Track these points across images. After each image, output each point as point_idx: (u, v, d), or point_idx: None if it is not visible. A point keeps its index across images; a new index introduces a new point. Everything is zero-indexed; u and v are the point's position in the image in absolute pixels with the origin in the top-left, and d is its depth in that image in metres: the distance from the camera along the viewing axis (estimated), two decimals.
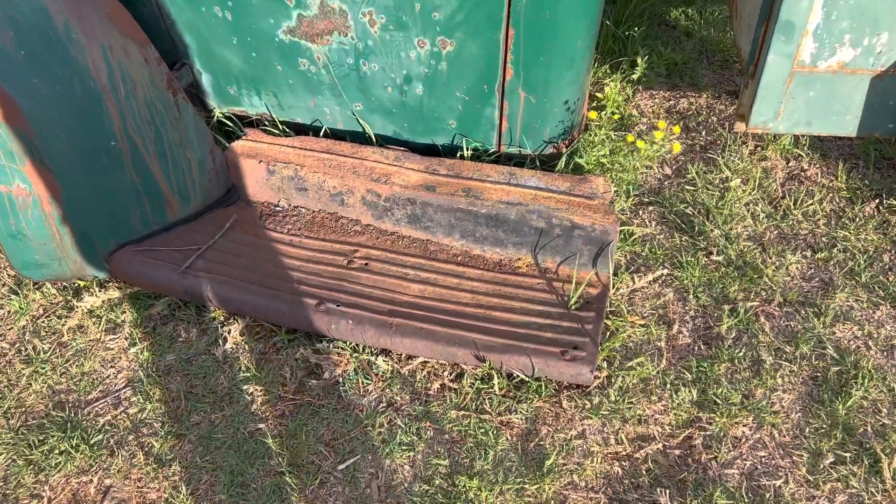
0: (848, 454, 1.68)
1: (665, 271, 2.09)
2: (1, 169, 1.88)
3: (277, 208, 2.30)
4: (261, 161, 2.28)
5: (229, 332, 2.02)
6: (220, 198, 2.29)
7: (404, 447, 1.78)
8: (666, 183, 2.34)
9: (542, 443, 1.76)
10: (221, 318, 2.06)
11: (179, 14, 2.14)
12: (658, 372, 1.87)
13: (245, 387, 1.93)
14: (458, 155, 2.32)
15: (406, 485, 1.72)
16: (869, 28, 1.94)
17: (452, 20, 1.93)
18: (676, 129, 2.20)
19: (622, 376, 1.85)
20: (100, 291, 2.11)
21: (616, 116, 2.41)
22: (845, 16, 1.92)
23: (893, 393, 1.78)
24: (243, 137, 2.35)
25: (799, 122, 2.18)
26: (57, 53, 1.86)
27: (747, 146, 2.39)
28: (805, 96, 2.11)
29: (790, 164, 2.36)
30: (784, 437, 1.73)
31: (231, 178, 2.31)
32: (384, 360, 1.93)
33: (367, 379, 1.91)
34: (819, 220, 2.19)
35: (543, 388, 1.84)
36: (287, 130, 2.44)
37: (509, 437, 1.78)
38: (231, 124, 2.46)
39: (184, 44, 2.24)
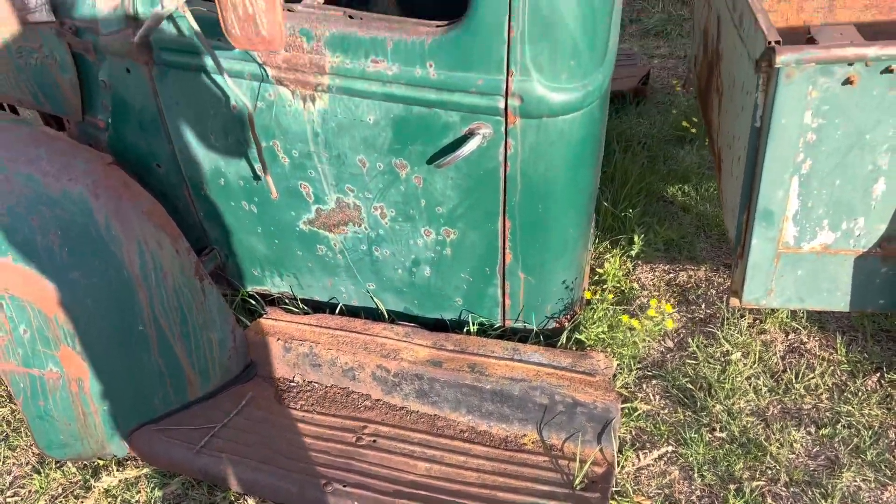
0: None
1: (670, 448, 2.11)
2: (36, 354, 2.02)
3: (292, 384, 2.40)
4: (278, 339, 2.41)
5: None
6: (239, 374, 2.40)
7: None
8: (668, 356, 2.40)
9: None
10: (232, 497, 2.10)
11: (211, 207, 2.37)
12: None
13: None
14: (465, 330, 2.43)
15: None
16: (845, 214, 2.07)
17: (454, 213, 2.11)
18: (668, 308, 2.30)
19: None
20: (117, 470, 2.18)
21: (611, 296, 2.52)
22: (821, 204, 2.06)
23: None
24: (264, 316, 2.50)
25: (791, 299, 2.27)
26: (97, 248, 2.06)
27: (746, 319, 2.47)
28: (793, 275, 2.22)
29: (789, 337, 2.42)
30: None
31: (250, 354, 2.44)
32: None
33: None
34: (822, 394, 2.21)
35: None
36: (306, 308, 2.59)
37: None
38: (254, 302, 2.62)
39: (213, 232, 2.46)
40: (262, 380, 2.43)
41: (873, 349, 2.33)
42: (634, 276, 2.73)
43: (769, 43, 1.84)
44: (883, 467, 1.99)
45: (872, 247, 2.12)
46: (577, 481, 1.99)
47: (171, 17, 1.94)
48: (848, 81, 1.84)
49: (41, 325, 2.00)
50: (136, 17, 2.00)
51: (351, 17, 1.88)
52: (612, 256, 2.68)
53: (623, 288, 2.63)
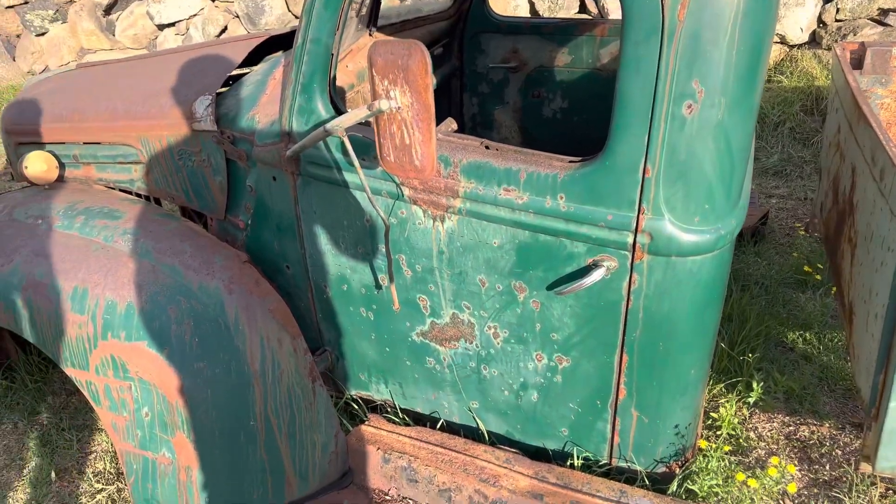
0: None
1: None
2: (153, 437, 2.10)
3: (387, 497, 2.37)
4: (378, 448, 2.40)
5: None
6: (336, 480, 2.40)
7: None
8: None
9: None
10: None
11: (330, 310, 2.46)
12: None
13: None
14: (569, 463, 2.35)
15: None
16: None
17: (569, 341, 2.10)
18: (791, 469, 2.14)
19: None
20: None
21: (727, 447, 2.38)
22: None
23: None
24: (366, 423, 2.52)
25: None
26: (223, 341, 2.16)
27: (878, 488, 2.26)
28: None
29: None
30: None
31: (350, 461, 2.43)
32: None
33: None
34: None
35: None
36: (406, 419, 2.58)
37: None
38: (356, 406, 2.65)
39: (329, 334, 2.53)
40: (358, 489, 2.41)
41: None
42: (751, 425, 2.58)
43: None
44: None
45: None
46: None
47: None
48: None
49: (162, 410, 2.09)
50: (290, 132, 2.18)
51: (487, 147, 1.98)
52: (728, 402, 2.56)
53: (739, 436, 2.49)
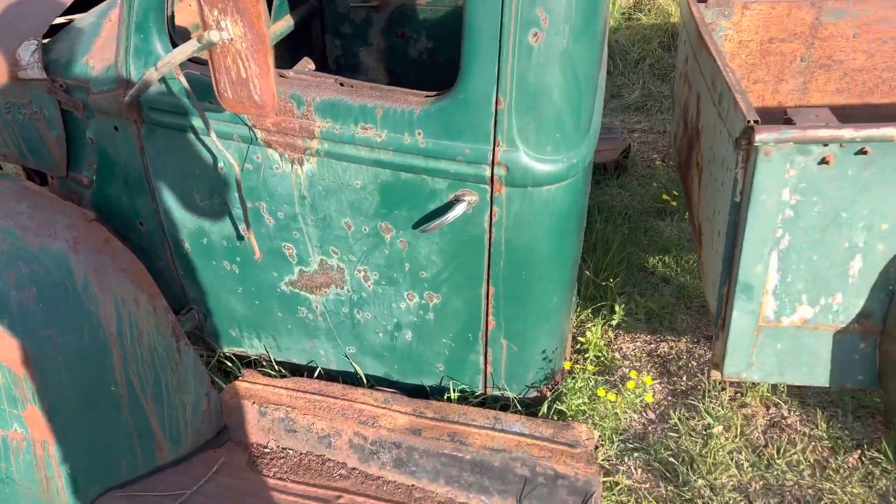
0: None
1: None
2: (1, 414, 1.95)
3: (266, 449, 2.33)
4: (254, 402, 2.35)
5: None
6: (211, 439, 2.33)
7: None
8: (650, 428, 2.38)
9: None
10: None
11: (191, 266, 2.35)
12: None
13: None
14: (446, 397, 2.40)
15: None
16: (823, 290, 2.10)
17: (438, 278, 2.11)
18: (648, 380, 2.29)
19: None
20: None
21: (592, 367, 2.51)
22: (800, 279, 2.09)
23: None
24: (240, 378, 2.45)
25: (771, 373, 2.27)
26: (72, 305, 2.02)
27: (727, 392, 2.46)
28: (773, 348, 2.23)
29: (770, 412, 2.41)
30: None
31: (224, 418, 2.37)
32: None
33: None
34: (803, 470, 2.19)
35: None
36: (283, 371, 2.54)
37: None
38: (230, 364, 2.57)
39: (192, 291, 2.42)
40: (236, 445, 2.36)
41: (854, 425, 2.33)
42: (616, 346, 2.72)
43: (748, 122, 1.90)
44: None
45: (851, 323, 2.14)
46: None
47: (162, 78, 1.97)
48: (824, 161, 1.89)
49: (8, 384, 1.94)
50: (129, 77, 2.02)
51: (342, 84, 1.92)
52: (594, 325, 2.68)
53: (604, 358, 2.62)
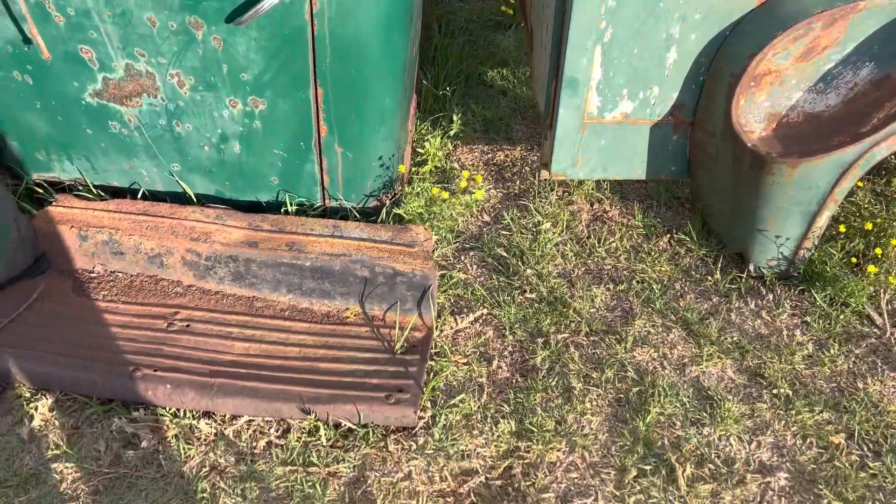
0: (649, 467, 1.82)
1: (485, 311, 2.20)
2: None
3: (92, 275, 2.21)
4: (72, 227, 2.19)
5: (36, 409, 1.90)
6: (28, 268, 2.17)
7: None
8: (485, 229, 2.48)
9: (369, 489, 1.77)
10: (28, 395, 1.93)
11: None
12: (479, 407, 1.95)
13: (54, 465, 1.80)
14: (283, 211, 2.35)
15: None
16: (642, 83, 2.19)
17: (261, 80, 1.98)
18: (479, 178, 2.35)
19: (445, 414, 1.91)
20: None
21: (427, 169, 2.53)
22: (621, 73, 2.16)
23: (685, 406, 1.95)
24: (53, 203, 2.26)
25: (595, 169, 2.40)
26: None
27: (556, 192, 2.59)
28: (597, 144, 2.34)
29: (594, 207, 2.58)
30: (593, 457, 1.85)
31: (41, 245, 2.20)
32: (207, 423, 1.88)
33: (189, 444, 1.85)
34: (620, 255, 2.40)
35: (371, 434, 1.86)
36: (103, 195, 2.36)
37: (336, 488, 1.77)
38: (42, 191, 2.35)
39: None
40: (58, 273, 2.21)
41: (666, 214, 2.54)
42: (455, 157, 2.76)
43: None
44: (669, 314, 2.21)
45: (666, 115, 2.27)
46: (397, 346, 2.03)
47: None
48: None
49: None
50: None
51: None
52: (433, 137, 2.68)
53: (444, 167, 2.66)
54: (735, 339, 2.13)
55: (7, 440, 1.85)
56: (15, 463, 1.81)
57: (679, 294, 2.28)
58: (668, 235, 2.46)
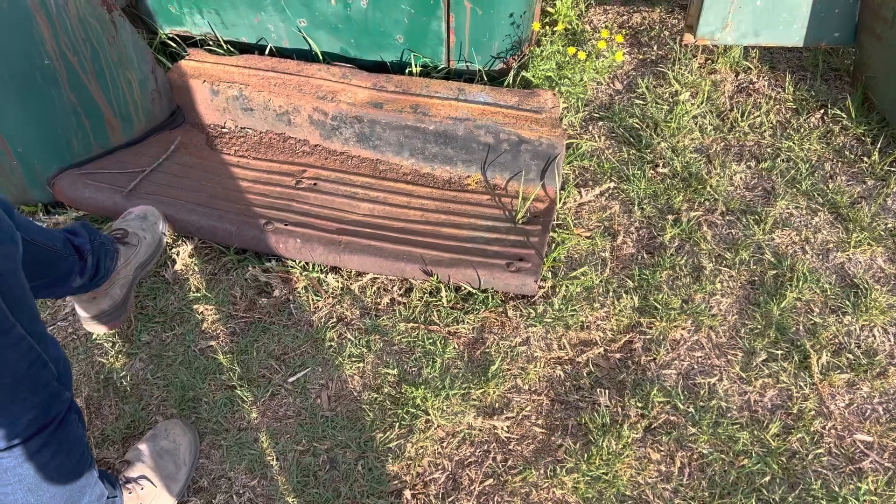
0: (780, 352, 1.74)
1: (612, 185, 2.11)
2: None
3: (224, 130, 2.27)
4: (204, 81, 2.23)
5: (178, 254, 2.02)
6: (165, 120, 2.25)
7: (354, 358, 1.81)
8: (616, 98, 2.33)
9: (487, 350, 1.80)
10: (170, 241, 2.05)
11: None
12: (601, 281, 1.90)
13: (195, 306, 1.94)
14: (407, 71, 2.29)
15: (355, 394, 1.76)
16: None
17: None
18: (619, 38, 2.18)
19: (566, 286, 1.89)
20: (44, 216, 2.09)
21: (561, 28, 2.37)
22: None
23: (826, 293, 1.83)
24: (186, 58, 2.30)
25: (746, 34, 2.18)
26: None
27: (697, 59, 2.39)
28: (752, 6, 2.10)
29: (739, 78, 2.36)
30: (720, 338, 1.79)
31: (176, 99, 2.27)
32: (334, 278, 1.95)
33: (317, 296, 1.93)
34: (765, 131, 2.21)
35: (490, 299, 1.87)
36: (232, 50, 2.38)
37: (456, 346, 1.82)
38: (175, 45, 2.39)
39: None
40: (192, 126, 2.29)
41: (821, 87, 2.30)
42: (587, 19, 2.57)
43: None
44: (816, 195, 2.04)
45: None
46: (519, 216, 1.99)
47: None
48: None
49: None
50: None
51: None
52: None
53: (575, 29, 2.49)
54: (890, 226, 1.95)
55: (153, 281, 1.99)
56: (161, 302, 1.95)
57: (829, 175, 2.09)
58: (822, 111, 2.23)
